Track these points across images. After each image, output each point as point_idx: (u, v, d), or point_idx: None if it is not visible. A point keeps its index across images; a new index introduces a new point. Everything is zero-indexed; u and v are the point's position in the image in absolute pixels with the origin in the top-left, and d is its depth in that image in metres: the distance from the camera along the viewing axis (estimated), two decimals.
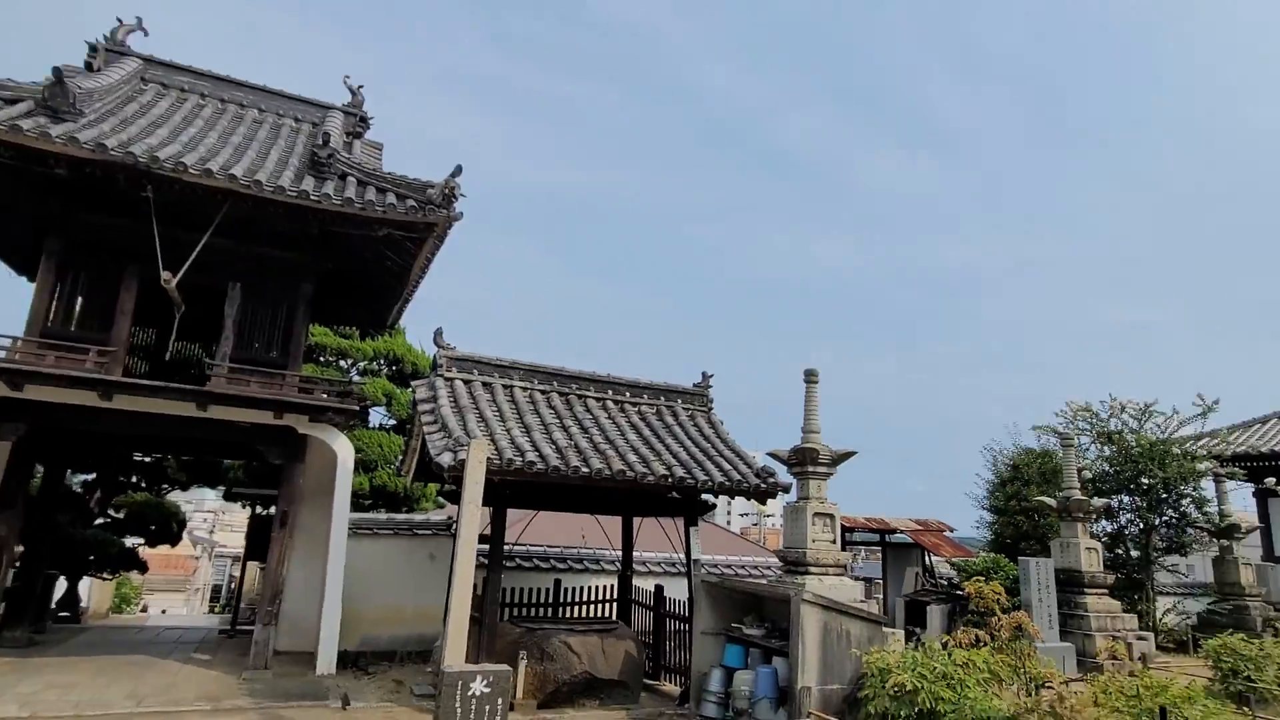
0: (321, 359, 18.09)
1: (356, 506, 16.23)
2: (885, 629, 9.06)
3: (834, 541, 11.20)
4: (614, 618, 11.63)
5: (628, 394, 11.25)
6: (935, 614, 14.86)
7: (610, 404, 10.95)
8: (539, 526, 13.99)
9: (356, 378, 18.18)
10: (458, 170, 10.05)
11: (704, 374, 12.22)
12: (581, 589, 12.58)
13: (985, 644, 9.09)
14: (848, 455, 11.52)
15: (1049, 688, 8.48)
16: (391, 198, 9.90)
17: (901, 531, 17.36)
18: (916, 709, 6.41)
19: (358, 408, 10.93)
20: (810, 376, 11.79)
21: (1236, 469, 19.08)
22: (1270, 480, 18.45)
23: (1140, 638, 14.57)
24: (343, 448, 10.65)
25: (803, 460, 11.18)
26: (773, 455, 11.72)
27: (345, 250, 11.24)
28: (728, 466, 10.23)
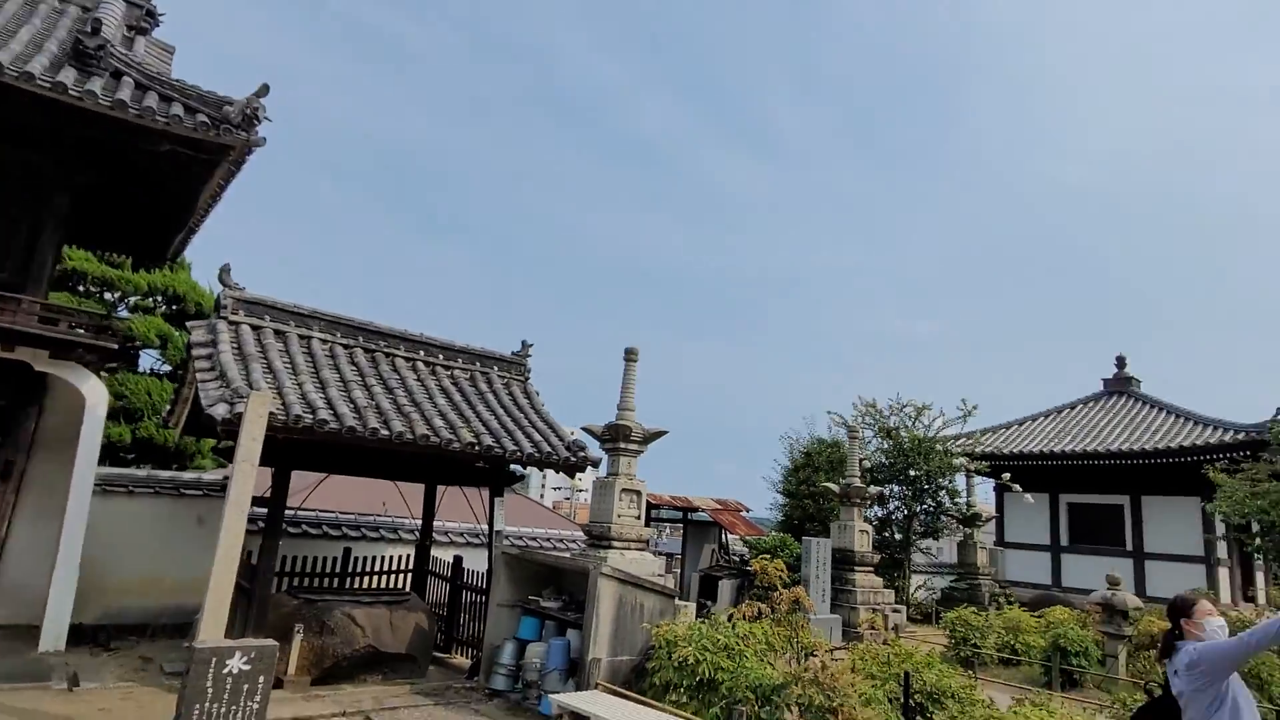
0: (81, 288, 15.55)
1: (116, 461, 14.19)
2: (678, 602, 9.38)
3: (639, 518, 11.46)
4: (407, 589, 11.10)
5: (441, 356, 10.68)
6: (725, 588, 15.74)
7: (421, 365, 10.33)
8: (336, 492, 13.01)
9: (125, 314, 15.84)
10: (264, 90, 8.89)
11: (524, 343, 11.91)
12: (374, 559, 11.87)
13: (766, 616, 9.70)
14: (659, 434, 11.80)
15: (815, 656, 9.22)
16: (178, 109, 8.56)
17: (702, 510, 18.19)
18: (698, 679, 6.64)
19: (117, 346, 9.42)
20: (630, 355, 11.90)
21: (983, 466, 21.98)
22: (1007, 476, 21.39)
23: (895, 610, 16.38)
24: (94, 391, 9.16)
25: (616, 436, 11.30)
26: (587, 430, 11.73)
27: (116, 164, 9.60)
28: (539, 438, 10.05)
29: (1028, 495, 21.23)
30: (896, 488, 21.32)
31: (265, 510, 8.91)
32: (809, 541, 15.53)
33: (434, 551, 12.17)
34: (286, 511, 10.49)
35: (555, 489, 66.65)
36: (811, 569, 15.23)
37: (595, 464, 10.66)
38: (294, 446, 8.44)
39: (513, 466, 10.73)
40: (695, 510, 18.32)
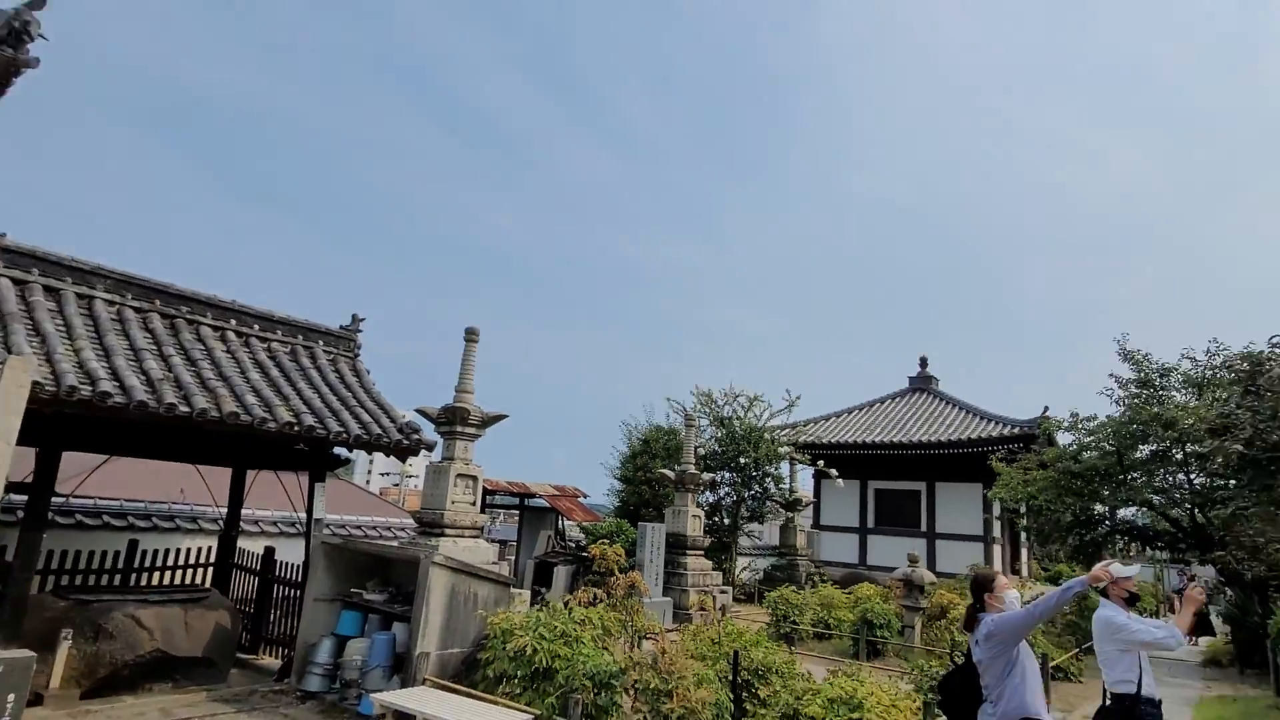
0: None
1: None
2: (514, 590, 9.11)
3: (474, 504, 11.02)
4: (208, 585, 9.95)
5: (256, 326, 9.61)
6: (561, 574, 15.63)
7: (232, 335, 9.23)
8: (123, 477, 11.38)
9: None
10: (39, 1, 7.50)
11: (354, 316, 11.04)
12: (168, 552, 10.54)
13: (603, 602, 9.67)
14: (498, 418, 11.41)
15: (651, 639, 9.32)
16: None
17: (540, 496, 17.95)
18: (533, 668, 6.44)
19: None
20: (470, 335, 11.40)
21: (805, 455, 23.50)
22: (823, 464, 23.02)
23: (723, 591, 17.08)
24: None
25: (452, 419, 10.78)
26: (421, 412, 11.10)
27: None
28: (368, 419, 9.33)
29: (840, 481, 22.97)
30: (728, 474, 22.29)
31: (27, 498, 7.58)
32: (644, 527, 15.79)
33: (242, 543, 11.02)
34: (57, 499, 9.03)
35: (383, 474, 63.36)
36: (646, 553, 15.51)
37: (430, 448, 10.10)
38: (67, 423, 7.23)
39: (338, 450, 9.91)
40: (532, 496, 18.05)
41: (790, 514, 23.56)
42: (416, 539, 10.61)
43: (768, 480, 22.35)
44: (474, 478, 10.83)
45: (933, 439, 23.07)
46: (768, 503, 22.88)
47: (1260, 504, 7.12)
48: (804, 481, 26.04)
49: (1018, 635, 4.21)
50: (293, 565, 9.92)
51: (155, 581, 10.10)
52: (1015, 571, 24.93)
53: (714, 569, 17.62)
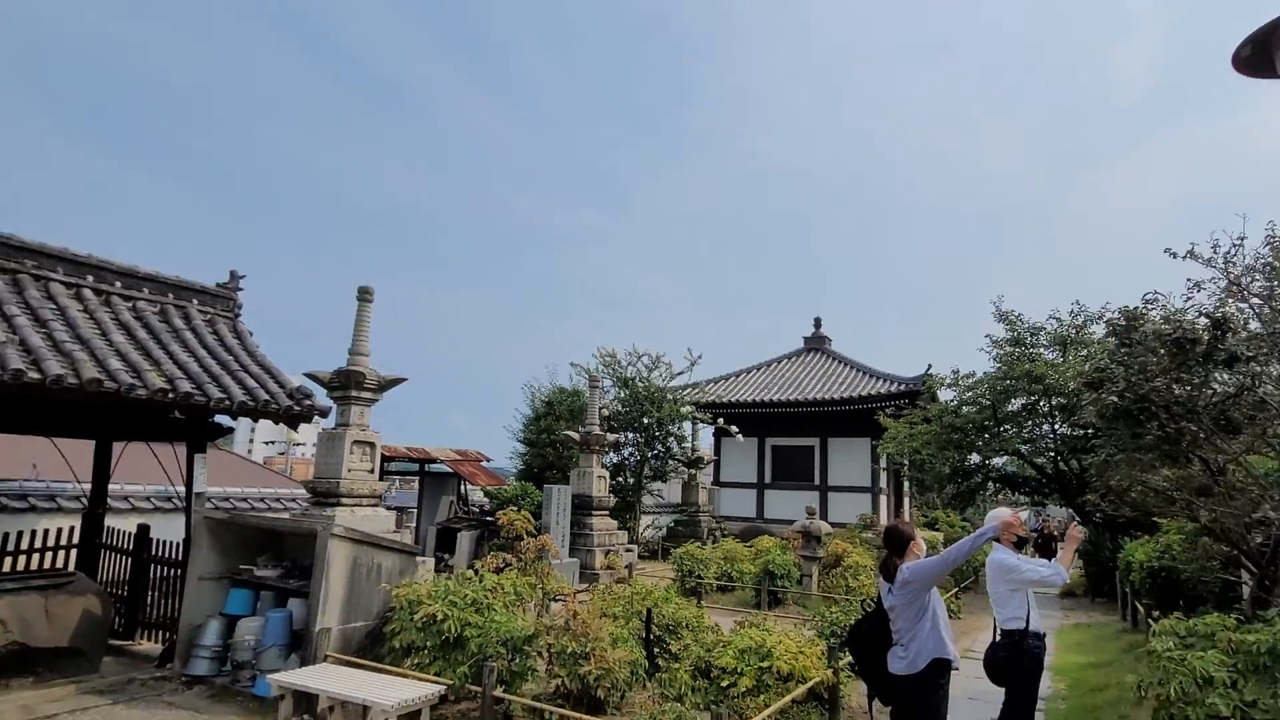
0: None
1: None
2: (418, 559, 8.81)
3: (372, 471, 10.55)
4: (72, 568, 9.06)
5: (118, 284, 8.65)
6: (464, 540, 15.33)
7: (89, 294, 8.27)
8: None
9: None
10: None
11: (233, 274, 10.15)
12: (21, 535, 9.51)
13: (512, 566, 9.53)
14: (396, 382, 10.90)
15: (561, 600, 9.28)
16: None
17: (441, 461, 17.46)
18: (444, 638, 6.25)
19: None
20: (364, 295, 10.77)
21: (706, 414, 23.98)
22: (723, 422, 23.59)
23: (628, 550, 17.28)
24: None
25: (347, 384, 10.20)
26: (312, 377, 10.44)
27: None
28: (253, 384, 8.65)
29: (740, 437, 23.63)
30: (631, 434, 22.44)
31: None
32: (550, 489, 15.67)
33: (111, 521, 10.09)
34: None
35: (267, 443, 59.99)
36: (552, 516, 15.42)
37: (324, 414, 9.52)
38: None
39: (219, 418, 9.17)
40: (433, 461, 17.53)
41: (692, 472, 24.07)
42: (310, 510, 10.05)
43: (670, 439, 22.69)
44: (371, 444, 10.33)
45: (826, 397, 24.05)
46: (670, 461, 23.26)
47: (1126, 450, 7.80)
48: (705, 440, 26.64)
49: (932, 581, 4.41)
50: (172, 543, 9.18)
51: (7, 568, 9.10)
52: (898, 518, 26.60)
53: (619, 528, 17.78)
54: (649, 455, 22.53)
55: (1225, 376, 7.07)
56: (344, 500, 9.79)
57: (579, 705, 6.08)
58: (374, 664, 6.49)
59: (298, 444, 46.72)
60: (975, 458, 18.84)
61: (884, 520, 23.81)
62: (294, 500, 14.96)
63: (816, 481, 25.22)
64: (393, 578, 7.62)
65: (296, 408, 8.74)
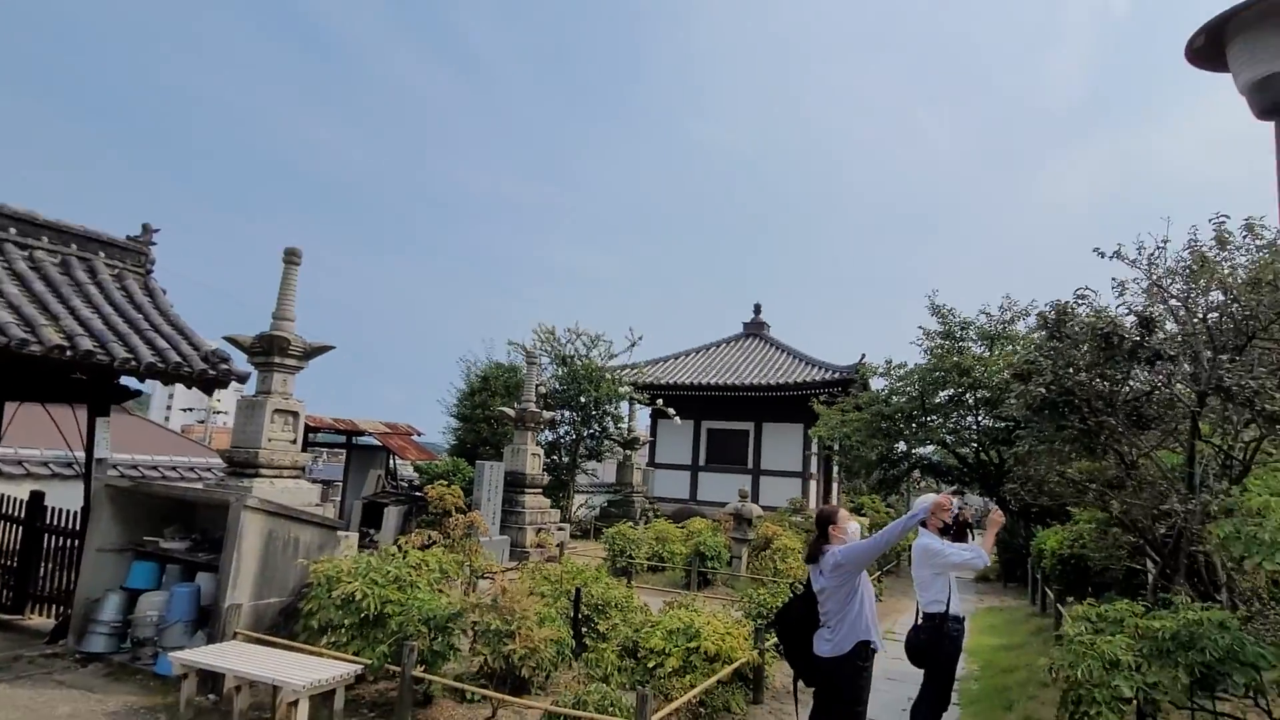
0: None
1: None
2: (340, 534, 8.47)
3: (294, 442, 10.10)
4: None
5: (12, 230, 7.94)
6: (391, 515, 14.92)
7: None
8: None
9: None
10: None
11: (145, 227, 9.47)
12: None
13: (439, 543, 9.29)
14: (323, 349, 10.44)
15: (489, 578, 9.10)
16: None
17: (370, 434, 16.93)
18: (363, 615, 6.00)
19: None
20: (290, 257, 10.24)
21: (644, 395, 23.97)
22: (661, 403, 23.63)
23: (560, 528, 17.16)
24: None
25: (269, 349, 9.70)
26: (232, 341, 9.88)
27: None
28: (164, 345, 8.10)
29: (677, 419, 23.73)
30: (568, 413, 22.25)
31: None
32: (482, 465, 15.39)
33: (1, 487, 9.38)
34: None
35: (185, 410, 57.27)
36: (484, 492, 15.15)
37: (242, 380, 9.03)
38: None
39: (127, 380, 8.58)
40: (361, 434, 16.97)
41: (628, 452, 24.07)
42: (226, 480, 9.55)
43: (607, 419, 22.60)
44: (294, 413, 9.87)
45: (762, 382, 24.34)
46: (606, 441, 23.19)
47: (1048, 442, 8.08)
48: (642, 421, 26.66)
49: (863, 564, 4.42)
50: (70, 512, 8.58)
51: None
52: (826, 503, 27.26)
53: (552, 506, 17.63)
54: (585, 434, 22.40)
55: (1143, 374, 7.38)
56: (263, 471, 9.34)
57: (503, 685, 5.95)
58: (288, 642, 6.19)
59: (219, 412, 44.73)
60: (902, 446, 19.40)
61: (813, 504, 24.35)
62: (211, 470, 14.26)
63: (750, 465, 25.57)
64: (311, 552, 7.29)
65: (211, 372, 8.24)
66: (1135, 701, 4.74)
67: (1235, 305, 7.00)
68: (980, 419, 17.79)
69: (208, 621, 6.68)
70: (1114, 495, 7.48)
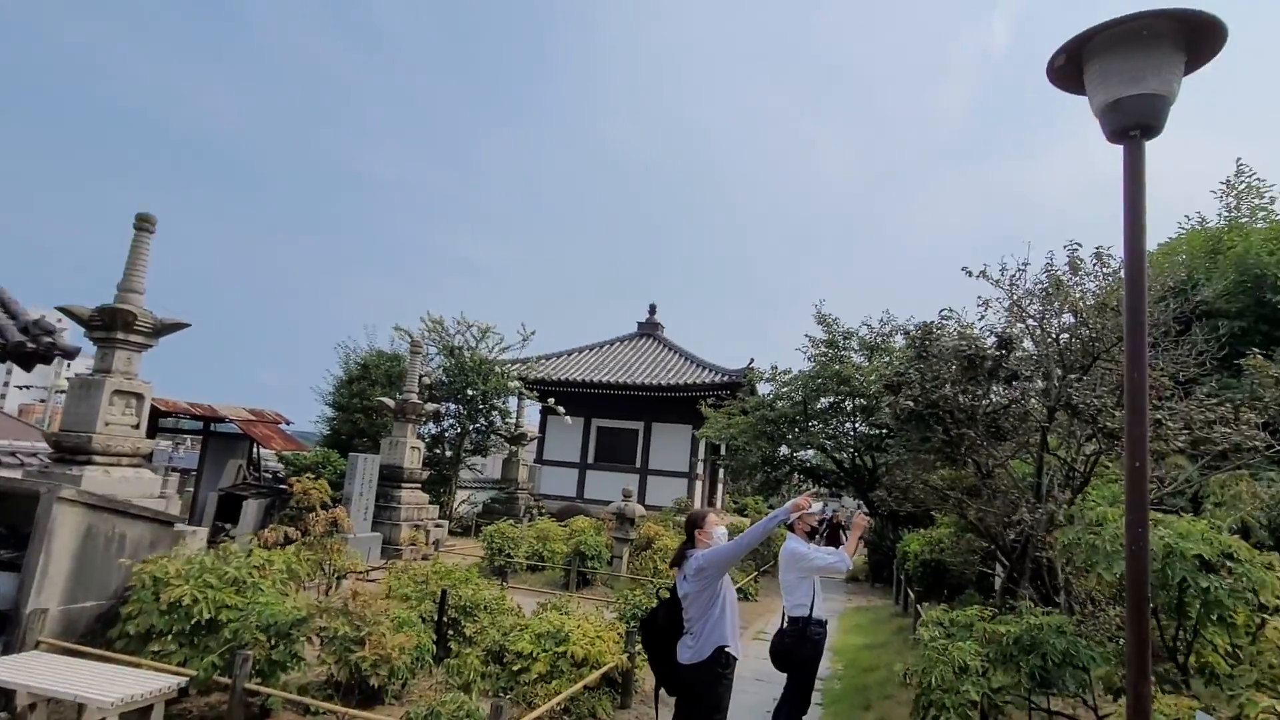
0: None
1: None
2: (182, 529, 7.70)
3: (137, 426, 9.12)
4: None
5: None
6: (250, 509, 13.89)
7: None
8: None
9: None
10: None
11: None
12: None
13: (297, 540, 8.64)
14: (177, 327, 9.50)
15: (353, 578, 8.54)
16: None
17: (231, 420, 15.69)
18: (194, 621, 5.42)
19: None
20: (143, 224, 9.25)
21: (534, 391, 23.54)
22: (552, 400, 23.29)
23: (438, 525, 16.54)
24: None
25: (112, 323, 8.71)
26: (67, 311, 8.82)
27: None
28: None
29: (567, 418, 23.44)
30: (453, 406, 21.52)
31: None
32: (356, 457, 14.60)
33: None
34: None
35: (22, 387, 51.57)
36: (356, 486, 14.38)
37: (69, 355, 8.06)
38: None
39: None
40: (220, 420, 15.70)
41: (515, 448, 23.57)
42: (51, 467, 8.51)
43: (494, 414, 22.02)
44: (138, 396, 8.92)
45: (654, 382, 24.45)
46: (493, 436, 22.61)
47: (914, 451, 8.43)
48: (531, 417, 26.20)
49: (725, 567, 4.34)
50: None
51: None
52: (711, 504, 27.73)
53: (431, 502, 16.98)
54: (471, 428, 21.73)
55: (1002, 390, 7.81)
56: (97, 458, 8.38)
57: (350, 696, 5.53)
58: (101, 652, 5.52)
59: (61, 391, 40.49)
60: (785, 449, 19.95)
61: (698, 505, 24.69)
62: (39, 454, 12.76)
63: (638, 465, 25.63)
64: (140, 551, 6.57)
65: (30, 344, 7.30)
66: (980, 705, 4.93)
67: (1084, 328, 7.52)
68: (857, 426, 18.54)
69: (5, 628, 5.86)
70: (971, 502, 7.88)
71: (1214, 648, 4.68)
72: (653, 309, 29.56)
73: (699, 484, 25.87)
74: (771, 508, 27.40)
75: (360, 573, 9.04)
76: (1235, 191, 15.88)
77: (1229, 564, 4.39)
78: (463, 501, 22.83)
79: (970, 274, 8.12)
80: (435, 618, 7.13)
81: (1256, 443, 6.40)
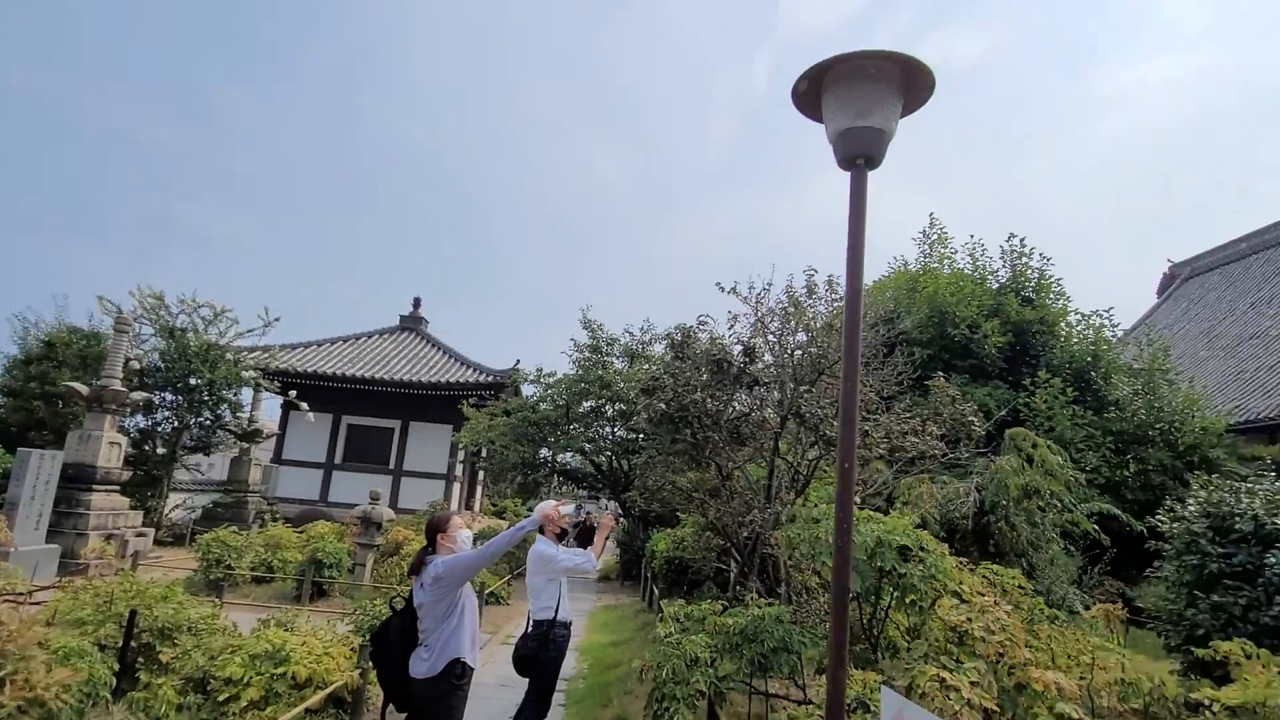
0: None
1: None
2: None
3: None
4: None
5: None
6: None
7: None
8: None
9: None
10: None
11: None
12: None
13: None
14: None
15: (11, 601, 6.97)
16: None
17: None
18: None
19: None
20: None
21: (275, 383, 21.24)
22: (294, 394, 21.19)
23: (140, 534, 14.21)
24: None
25: None
26: None
27: None
28: None
29: (311, 415, 21.47)
30: (170, 396, 18.68)
31: None
32: (28, 454, 12.04)
33: None
34: None
35: None
36: (27, 488, 11.85)
37: None
38: None
39: None
40: None
41: (246, 445, 21.07)
42: None
43: (223, 406, 19.48)
44: None
45: (413, 379, 23.29)
46: (220, 432, 19.99)
47: (665, 453, 8.84)
48: (270, 411, 23.64)
49: (466, 576, 4.13)
50: None
51: None
52: (469, 507, 27.03)
53: (134, 507, 14.56)
54: (191, 422, 19.01)
55: (745, 398, 8.49)
56: None
57: None
58: None
59: None
60: (546, 452, 20.03)
61: (454, 507, 23.92)
62: None
63: (392, 465, 24.23)
64: None
65: None
66: (708, 694, 5.22)
67: (814, 346, 8.42)
68: (616, 430, 19.17)
69: None
70: (712, 503, 8.45)
71: (896, 626, 5.42)
72: (417, 302, 28.21)
73: (458, 486, 25.10)
74: (529, 509, 27.42)
75: (18, 595, 7.40)
76: (929, 241, 19.01)
77: (921, 554, 5.12)
78: (176, 506, 19.88)
79: (723, 290, 8.74)
80: (120, 644, 6.02)
81: (936, 451, 7.59)
